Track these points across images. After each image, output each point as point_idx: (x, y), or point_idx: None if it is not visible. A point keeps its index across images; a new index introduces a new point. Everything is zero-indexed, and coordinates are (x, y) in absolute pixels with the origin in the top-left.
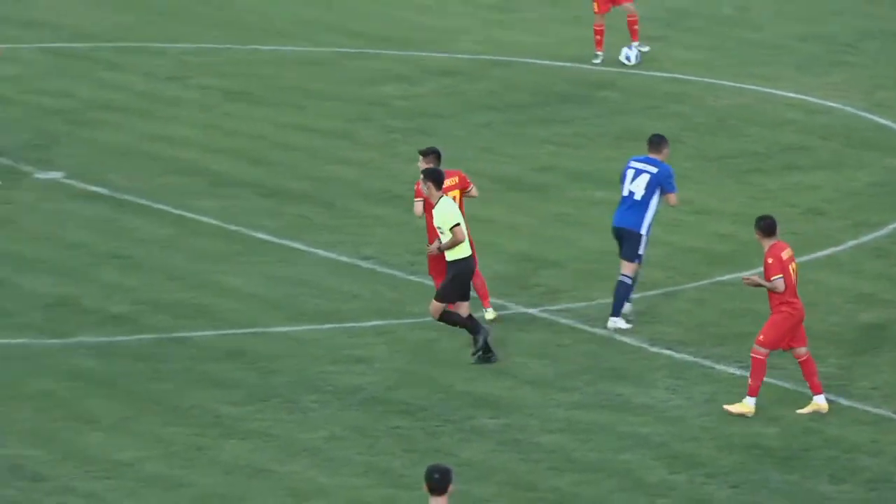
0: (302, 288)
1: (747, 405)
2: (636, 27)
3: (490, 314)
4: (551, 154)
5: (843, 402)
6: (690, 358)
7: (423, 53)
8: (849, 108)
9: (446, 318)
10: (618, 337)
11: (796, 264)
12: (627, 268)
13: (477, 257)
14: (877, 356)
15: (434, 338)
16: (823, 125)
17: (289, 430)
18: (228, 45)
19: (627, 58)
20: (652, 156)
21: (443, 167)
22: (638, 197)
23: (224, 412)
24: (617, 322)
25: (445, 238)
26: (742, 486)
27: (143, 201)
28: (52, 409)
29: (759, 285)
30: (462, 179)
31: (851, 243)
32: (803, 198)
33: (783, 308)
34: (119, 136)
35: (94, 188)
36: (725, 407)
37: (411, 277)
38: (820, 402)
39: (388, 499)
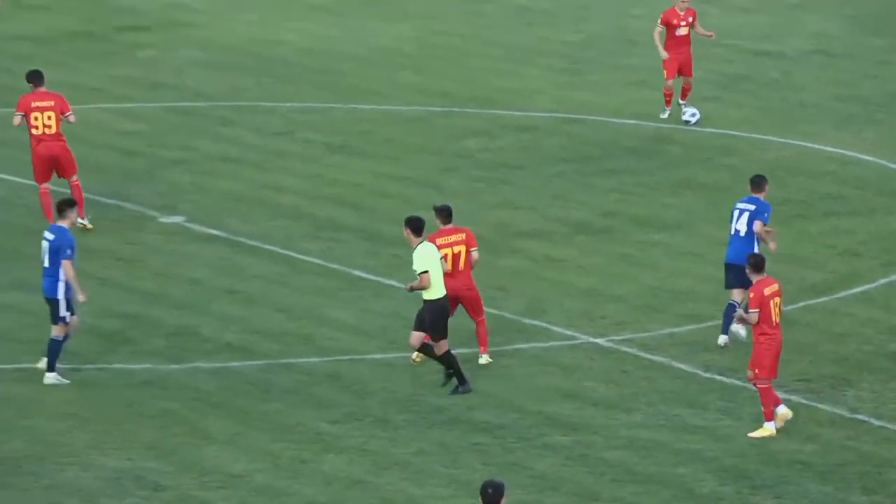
0: (394, 320)
1: (768, 429)
2: (689, 92)
3: (484, 359)
4: (616, 201)
5: (875, 422)
6: (739, 383)
7: (503, 112)
8: (881, 162)
9: (426, 349)
10: (674, 364)
11: (780, 299)
12: (737, 294)
13: (482, 306)
14: None
15: (509, 364)
16: (858, 176)
17: (381, 446)
18: (331, 105)
19: (693, 115)
20: (754, 195)
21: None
22: (743, 234)
23: (324, 429)
24: (726, 336)
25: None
26: (784, 496)
27: (254, 243)
28: (172, 426)
29: (743, 318)
30: (469, 237)
31: (882, 281)
32: (840, 241)
33: (762, 338)
34: (234, 184)
35: (211, 231)
36: (749, 434)
37: (491, 310)
38: (782, 411)
39: None
